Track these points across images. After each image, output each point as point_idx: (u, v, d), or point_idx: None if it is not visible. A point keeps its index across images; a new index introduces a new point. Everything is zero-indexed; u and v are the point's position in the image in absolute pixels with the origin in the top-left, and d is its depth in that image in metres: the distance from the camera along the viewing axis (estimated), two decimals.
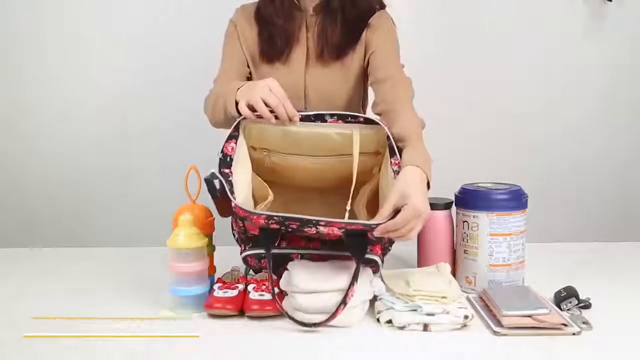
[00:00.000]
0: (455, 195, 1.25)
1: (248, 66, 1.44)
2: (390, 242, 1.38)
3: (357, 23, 1.41)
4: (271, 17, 1.40)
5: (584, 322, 1.03)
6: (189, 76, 2.02)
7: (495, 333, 1.01)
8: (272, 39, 1.40)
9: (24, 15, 2.08)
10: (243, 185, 1.19)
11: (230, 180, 1.13)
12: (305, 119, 1.20)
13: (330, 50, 1.40)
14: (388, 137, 1.17)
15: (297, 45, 1.41)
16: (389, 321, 1.04)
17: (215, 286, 1.14)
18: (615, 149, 2.27)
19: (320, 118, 1.20)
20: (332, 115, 1.20)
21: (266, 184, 1.27)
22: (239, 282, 1.15)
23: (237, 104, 1.20)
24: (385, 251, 1.37)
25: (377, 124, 1.19)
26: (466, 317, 1.02)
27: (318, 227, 1.08)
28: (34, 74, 2.12)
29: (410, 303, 1.04)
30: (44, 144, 2.16)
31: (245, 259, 1.22)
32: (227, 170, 1.15)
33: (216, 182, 1.12)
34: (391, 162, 1.15)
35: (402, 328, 1.02)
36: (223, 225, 1.29)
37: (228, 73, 1.41)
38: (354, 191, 1.21)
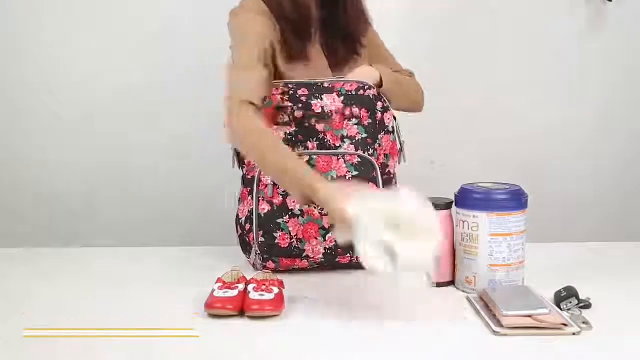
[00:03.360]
0: (455, 195, 1.25)
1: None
2: None
3: (356, 36, 1.48)
4: (288, 13, 1.38)
5: (584, 322, 1.03)
6: (191, 76, 2.02)
7: (495, 333, 1.01)
8: (291, 35, 1.38)
9: (24, 15, 2.08)
10: None
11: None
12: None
13: (338, 59, 1.47)
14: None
15: (312, 45, 1.43)
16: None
17: (215, 286, 1.14)
18: (615, 148, 2.27)
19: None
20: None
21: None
22: (239, 282, 1.15)
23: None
24: None
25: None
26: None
27: (322, 97, 1.30)
28: (34, 73, 2.12)
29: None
30: (44, 144, 2.16)
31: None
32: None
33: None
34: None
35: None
36: (223, 225, 1.29)
37: (255, 57, 1.32)
38: None
